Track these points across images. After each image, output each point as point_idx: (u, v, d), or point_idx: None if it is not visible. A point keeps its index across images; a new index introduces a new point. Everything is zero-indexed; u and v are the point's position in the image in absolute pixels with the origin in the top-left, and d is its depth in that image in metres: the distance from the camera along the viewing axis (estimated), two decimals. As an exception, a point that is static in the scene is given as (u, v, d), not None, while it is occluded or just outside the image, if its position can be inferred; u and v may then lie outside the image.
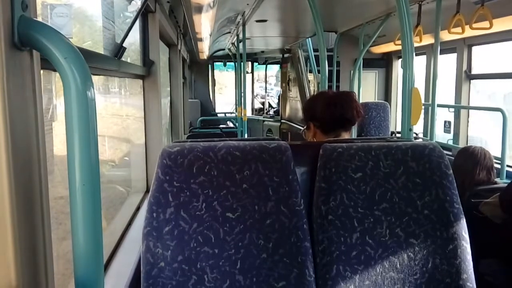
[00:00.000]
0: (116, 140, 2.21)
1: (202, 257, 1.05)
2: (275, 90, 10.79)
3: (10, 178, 0.57)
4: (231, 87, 11.50)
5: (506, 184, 2.26)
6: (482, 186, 2.41)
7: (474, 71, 4.16)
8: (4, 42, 0.56)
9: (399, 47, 2.17)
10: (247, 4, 3.74)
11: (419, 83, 4.73)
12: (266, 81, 10.21)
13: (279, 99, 8.71)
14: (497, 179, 2.73)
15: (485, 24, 2.87)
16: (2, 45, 0.56)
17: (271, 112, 9.25)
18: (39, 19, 0.67)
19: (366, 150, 1.18)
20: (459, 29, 3.00)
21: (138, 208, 2.13)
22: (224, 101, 12.21)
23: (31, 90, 0.64)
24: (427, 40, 3.72)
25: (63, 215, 1.19)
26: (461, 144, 4.16)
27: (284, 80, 7.89)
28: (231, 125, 8.60)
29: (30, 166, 0.63)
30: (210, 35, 4.29)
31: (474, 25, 2.88)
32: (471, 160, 2.51)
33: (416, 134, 4.80)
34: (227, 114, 9.75)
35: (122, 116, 2.33)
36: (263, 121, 8.88)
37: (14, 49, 0.59)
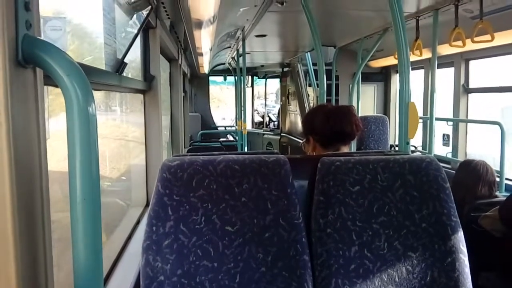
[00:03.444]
0: (116, 156, 2.22)
1: (201, 271, 1.05)
2: (276, 108, 10.73)
3: (13, 192, 0.58)
4: (231, 104, 11.52)
5: (505, 198, 2.26)
6: (481, 200, 2.40)
7: (472, 85, 4.19)
8: (9, 60, 0.58)
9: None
10: (247, 20, 3.79)
11: (418, 96, 4.77)
12: (266, 96, 10.26)
13: (279, 113, 8.75)
14: (497, 193, 2.73)
15: (486, 37, 2.90)
16: (6, 63, 0.57)
17: (271, 126, 9.28)
18: None
19: (364, 163, 1.19)
20: (458, 43, 3.03)
21: (138, 222, 2.13)
22: (220, 117, 12.26)
23: (34, 106, 0.65)
24: (425, 54, 3.76)
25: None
26: (460, 157, 4.16)
27: (284, 94, 7.94)
28: (231, 138, 8.62)
29: (32, 181, 0.65)
30: (210, 50, 4.32)
31: (476, 39, 2.91)
32: (473, 175, 2.48)
33: (415, 148, 4.80)
34: (227, 128, 9.79)
35: (123, 131, 2.34)
36: (263, 134, 8.90)
37: (18, 66, 0.61)
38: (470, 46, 3.10)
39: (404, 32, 1.94)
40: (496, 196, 2.51)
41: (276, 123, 9.16)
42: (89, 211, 0.64)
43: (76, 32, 1.42)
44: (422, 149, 4.76)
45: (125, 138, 2.36)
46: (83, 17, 1.48)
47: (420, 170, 1.19)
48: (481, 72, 4.20)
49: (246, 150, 5.63)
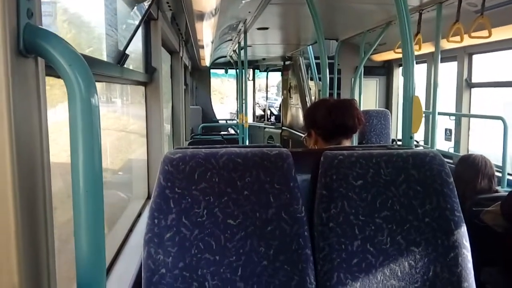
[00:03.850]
0: (116, 148, 2.22)
1: (203, 264, 1.05)
2: (278, 101, 10.68)
3: (14, 183, 0.58)
4: (232, 97, 11.51)
5: (507, 193, 2.25)
6: (483, 195, 2.40)
7: (475, 80, 4.17)
8: (10, 50, 0.57)
9: (400, 55, 2.18)
10: (249, 12, 3.77)
11: (420, 91, 4.75)
12: (267, 89, 10.25)
13: (280, 106, 8.75)
14: (498, 188, 2.73)
15: (484, 33, 2.88)
16: (8, 53, 0.56)
17: (272, 119, 9.28)
18: None
19: (367, 157, 1.18)
20: (458, 38, 3.01)
21: (139, 215, 2.13)
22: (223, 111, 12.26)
23: (35, 96, 0.64)
24: (428, 48, 3.73)
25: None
26: (462, 152, 4.16)
27: (285, 87, 7.92)
28: (232, 131, 8.62)
29: (34, 172, 0.64)
30: (212, 42, 4.31)
31: (473, 34, 2.90)
32: (472, 169, 2.50)
33: (417, 142, 4.80)
34: (228, 121, 9.80)
35: (124, 123, 2.34)
36: (264, 128, 8.90)
37: (20, 56, 0.60)
38: (473, 40, 3.08)
39: (409, 25, 1.92)
40: (496, 190, 2.52)
41: (277, 115, 9.16)
42: (91, 203, 0.63)
43: (73, 21, 1.39)
44: (424, 144, 4.75)
45: (125, 130, 2.35)
46: (82, 6, 1.46)
47: (424, 164, 1.18)
48: (484, 66, 4.17)
49: (247, 143, 5.63)
